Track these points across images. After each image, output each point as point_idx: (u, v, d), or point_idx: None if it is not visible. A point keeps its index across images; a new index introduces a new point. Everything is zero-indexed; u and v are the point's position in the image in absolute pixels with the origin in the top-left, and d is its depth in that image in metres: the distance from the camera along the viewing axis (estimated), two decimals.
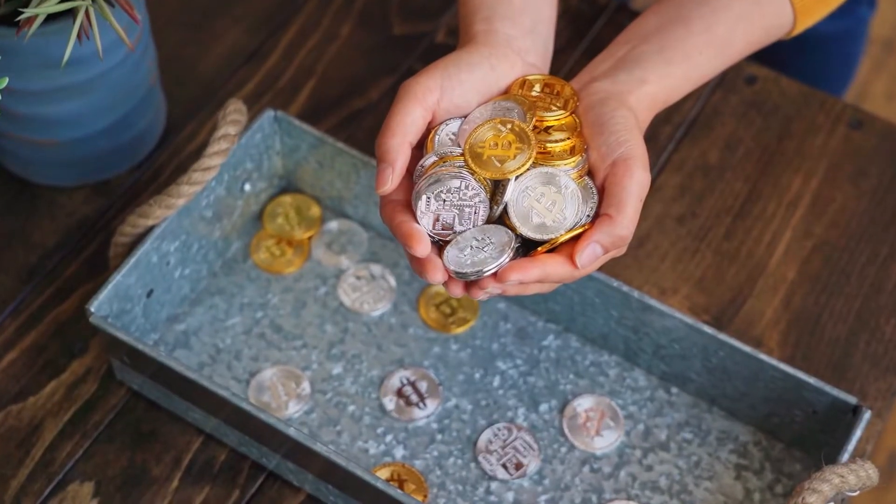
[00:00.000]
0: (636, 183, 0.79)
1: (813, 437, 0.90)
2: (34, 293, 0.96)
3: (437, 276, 0.79)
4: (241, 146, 0.94)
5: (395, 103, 0.81)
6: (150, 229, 0.90)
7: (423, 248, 0.78)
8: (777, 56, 1.15)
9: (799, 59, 1.27)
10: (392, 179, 0.79)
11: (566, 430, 0.91)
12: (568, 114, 0.83)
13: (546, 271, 0.79)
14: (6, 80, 0.81)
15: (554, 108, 0.83)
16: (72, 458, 0.90)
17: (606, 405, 0.92)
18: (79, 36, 0.85)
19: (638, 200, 0.80)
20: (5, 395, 0.92)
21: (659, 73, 0.84)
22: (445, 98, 0.82)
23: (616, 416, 0.92)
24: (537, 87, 0.84)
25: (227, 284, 0.97)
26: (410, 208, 0.80)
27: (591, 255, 0.78)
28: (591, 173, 0.82)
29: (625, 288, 0.89)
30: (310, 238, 0.99)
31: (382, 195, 0.81)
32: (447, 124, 0.83)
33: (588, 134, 0.82)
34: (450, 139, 0.82)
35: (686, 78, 0.86)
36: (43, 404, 0.92)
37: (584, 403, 0.93)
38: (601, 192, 0.81)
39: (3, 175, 1.02)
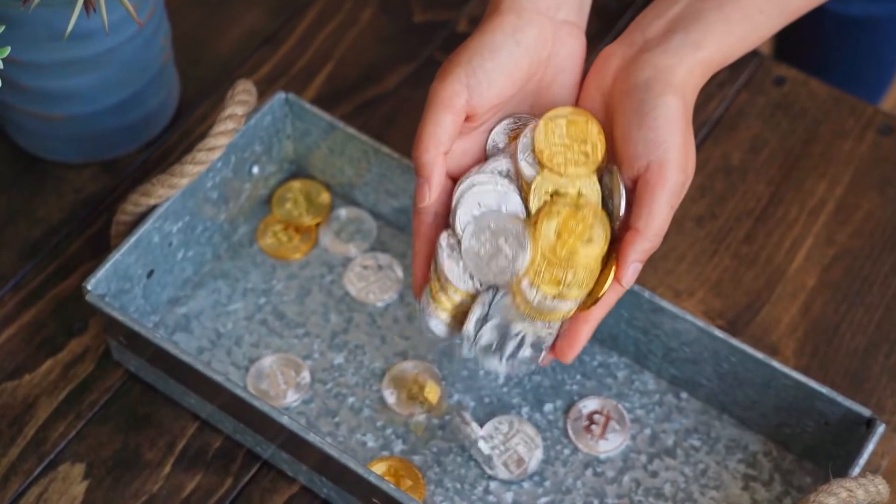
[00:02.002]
0: (668, 192, 0.78)
1: (825, 449, 0.87)
2: (36, 270, 0.95)
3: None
4: (250, 128, 0.92)
5: (424, 111, 0.80)
6: (153, 209, 0.88)
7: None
8: (821, 38, 1.11)
9: (844, 42, 1.23)
10: (430, 194, 0.80)
11: (570, 432, 0.89)
12: (593, 171, 0.80)
13: (597, 322, 0.81)
14: (8, 50, 0.79)
15: (575, 166, 0.80)
16: (64, 438, 0.88)
17: (613, 407, 0.90)
18: (85, 8, 0.83)
19: (669, 209, 0.78)
20: (1, 372, 0.90)
21: (717, 35, 0.80)
22: (475, 95, 0.80)
23: (622, 420, 0.89)
24: (558, 138, 0.80)
25: (232, 268, 0.95)
26: (440, 226, 0.82)
27: (634, 273, 0.79)
28: (621, 165, 0.79)
29: (635, 287, 0.86)
30: (318, 225, 0.97)
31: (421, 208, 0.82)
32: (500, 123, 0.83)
33: (625, 122, 0.79)
34: (506, 133, 0.83)
35: (743, 40, 0.82)
36: (38, 382, 0.90)
37: (589, 405, 0.90)
38: (632, 188, 0.79)
39: (11, 150, 1.00)
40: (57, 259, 0.95)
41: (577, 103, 0.84)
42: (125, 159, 1.00)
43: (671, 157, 0.78)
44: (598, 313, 0.82)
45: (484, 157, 0.83)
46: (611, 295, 0.81)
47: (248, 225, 0.97)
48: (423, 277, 0.82)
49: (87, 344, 0.92)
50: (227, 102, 0.88)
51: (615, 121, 0.80)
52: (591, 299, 0.79)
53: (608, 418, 0.89)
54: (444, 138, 0.80)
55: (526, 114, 0.83)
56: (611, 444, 0.88)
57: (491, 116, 0.82)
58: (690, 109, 0.80)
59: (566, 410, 0.90)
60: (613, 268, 0.79)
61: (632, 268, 0.78)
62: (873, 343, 0.93)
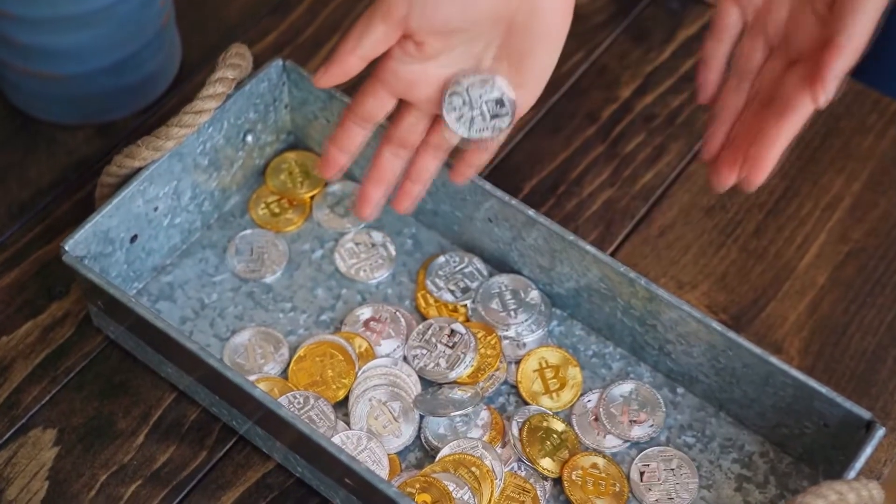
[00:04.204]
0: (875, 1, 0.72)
1: (823, 452, 0.83)
2: (22, 230, 0.92)
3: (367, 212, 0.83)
4: (244, 94, 0.89)
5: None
6: (139, 171, 0.85)
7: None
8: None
9: None
10: (325, 80, 0.79)
11: None
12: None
13: (789, 138, 0.74)
14: None
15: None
16: (38, 402, 0.86)
17: (604, 405, 0.86)
18: None
19: (875, 20, 0.72)
20: None
21: None
22: (415, 15, 0.75)
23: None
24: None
25: (221, 238, 0.92)
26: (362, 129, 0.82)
27: (832, 91, 0.73)
28: None
29: (631, 274, 0.83)
30: (312, 198, 0.94)
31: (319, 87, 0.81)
32: None
33: None
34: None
35: None
36: (15, 345, 0.88)
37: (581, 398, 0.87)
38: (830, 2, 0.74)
39: (6, 108, 0.98)
40: (44, 221, 0.93)
41: None
42: (121, 123, 0.98)
43: None
44: (788, 128, 0.74)
45: (439, 98, 0.79)
46: (800, 115, 0.74)
47: (241, 195, 0.94)
48: (331, 159, 0.82)
49: (68, 308, 0.89)
50: (218, 65, 0.86)
51: None
52: None
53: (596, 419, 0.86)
54: (367, 43, 0.76)
55: (489, 64, 0.78)
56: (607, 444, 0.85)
57: (442, 48, 0.76)
58: None
59: None
60: None
61: (832, 84, 0.72)
62: (882, 346, 0.89)
